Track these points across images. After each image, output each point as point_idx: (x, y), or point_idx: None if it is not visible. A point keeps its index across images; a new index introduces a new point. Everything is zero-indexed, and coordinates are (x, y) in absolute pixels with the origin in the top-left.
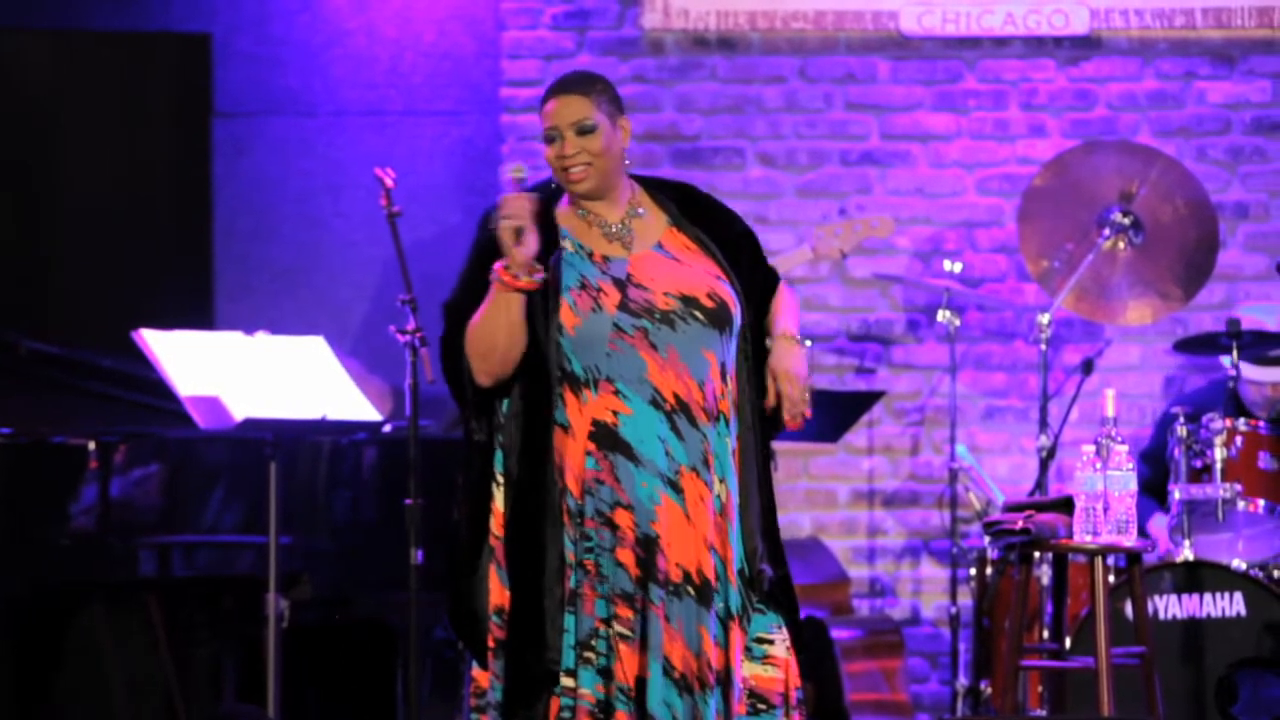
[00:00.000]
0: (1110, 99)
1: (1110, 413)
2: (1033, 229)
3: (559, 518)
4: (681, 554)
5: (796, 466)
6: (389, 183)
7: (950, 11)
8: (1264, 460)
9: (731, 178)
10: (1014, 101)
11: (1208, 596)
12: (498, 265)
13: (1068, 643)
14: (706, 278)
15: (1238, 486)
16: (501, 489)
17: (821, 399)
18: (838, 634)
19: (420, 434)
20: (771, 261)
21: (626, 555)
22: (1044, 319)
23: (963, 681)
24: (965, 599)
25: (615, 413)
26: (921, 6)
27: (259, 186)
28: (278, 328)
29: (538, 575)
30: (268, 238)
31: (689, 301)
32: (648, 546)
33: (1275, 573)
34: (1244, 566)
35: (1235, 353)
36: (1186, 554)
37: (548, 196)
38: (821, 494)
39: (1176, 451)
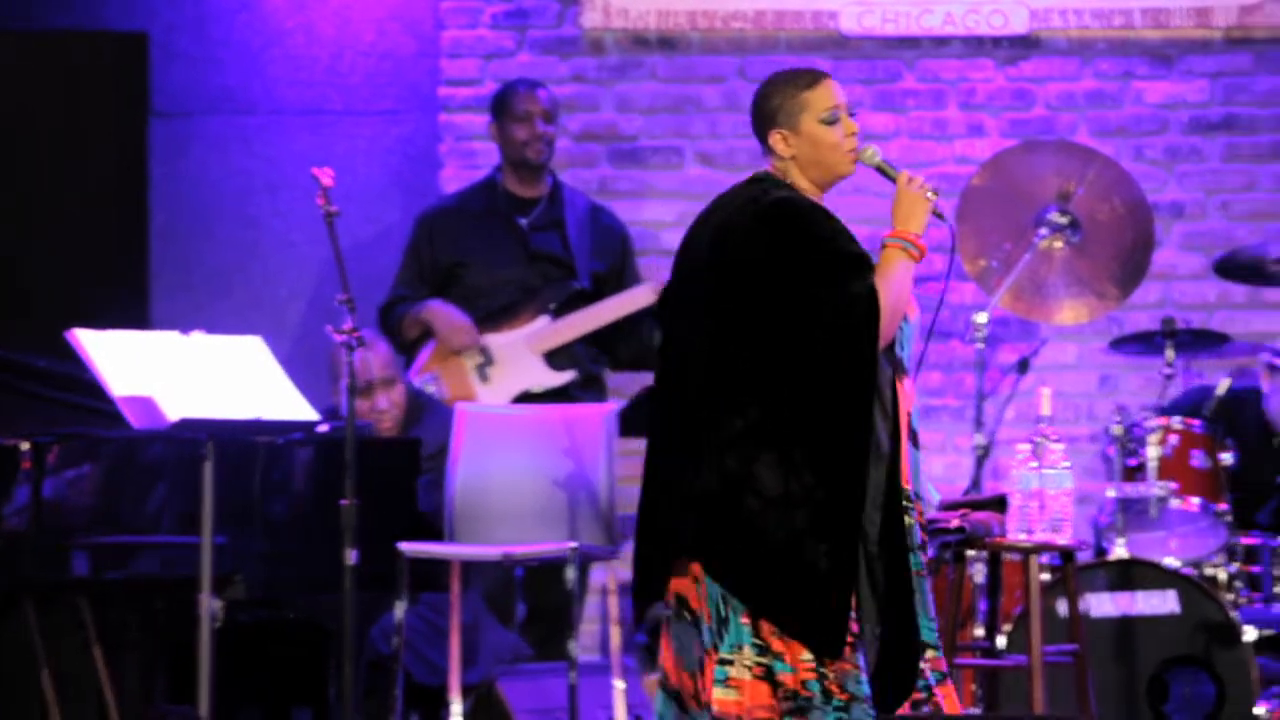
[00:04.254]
0: (1049, 99)
1: (1046, 411)
2: (971, 228)
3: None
4: None
5: None
6: (327, 182)
7: (890, 11)
8: (1198, 458)
9: (670, 177)
10: (953, 101)
11: (1141, 594)
12: (914, 235)
13: (1001, 641)
14: None
15: (1172, 485)
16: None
17: None
18: None
19: (356, 434)
20: None
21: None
22: (981, 318)
23: None
24: None
25: (913, 403)
26: (861, 6)
27: (196, 186)
28: (214, 327)
29: (904, 561)
30: (205, 237)
31: None
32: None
33: (1208, 571)
34: (1177, 564)
35: (1170, 352)
36: (1120, 552)
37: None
38: None
39: (1111, 450)
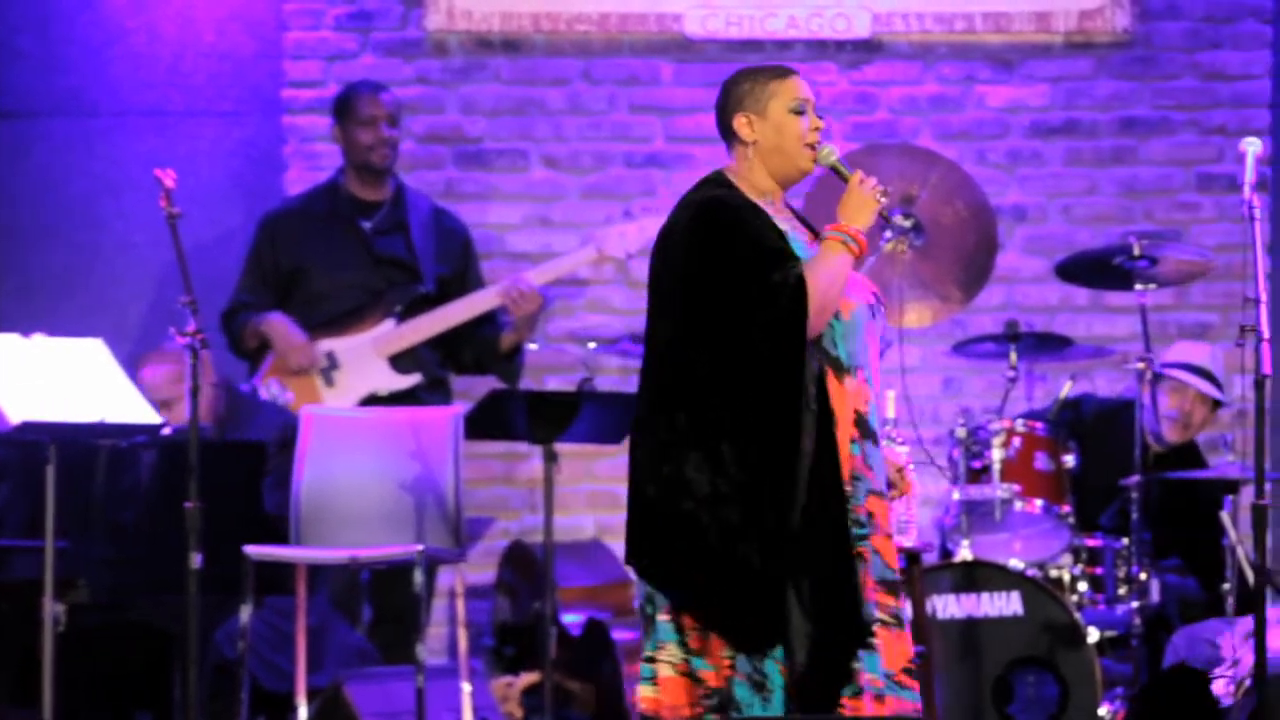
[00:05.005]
0: (891, 102)
1: (890, 414)
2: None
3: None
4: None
5: (579, 468)
6: (169, 184)
7: (733, 15)
8: (1041, 461)
9: (515, 180)
10: None
11: (985, 596)
12: (856, 230)
13: None
14: (865, 279)
15: (1015, 487)
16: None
17: (605, 401)
18: (619, 635)
19: (199, 437)
20: (556, 263)
21: (881, 542)
22: None
23: None
24: None
25: (866, 401)
26: (705, 10)
27: (40, 187)
28: (56, 329)
29: (845, 558)
30: (48, 239)
31: (877, 298)
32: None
33: (1052, 573)
34: (1021, 566)
35: (1014, 355)
36: (965, 554)
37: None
38: (605, 496)
39: (955, 452)
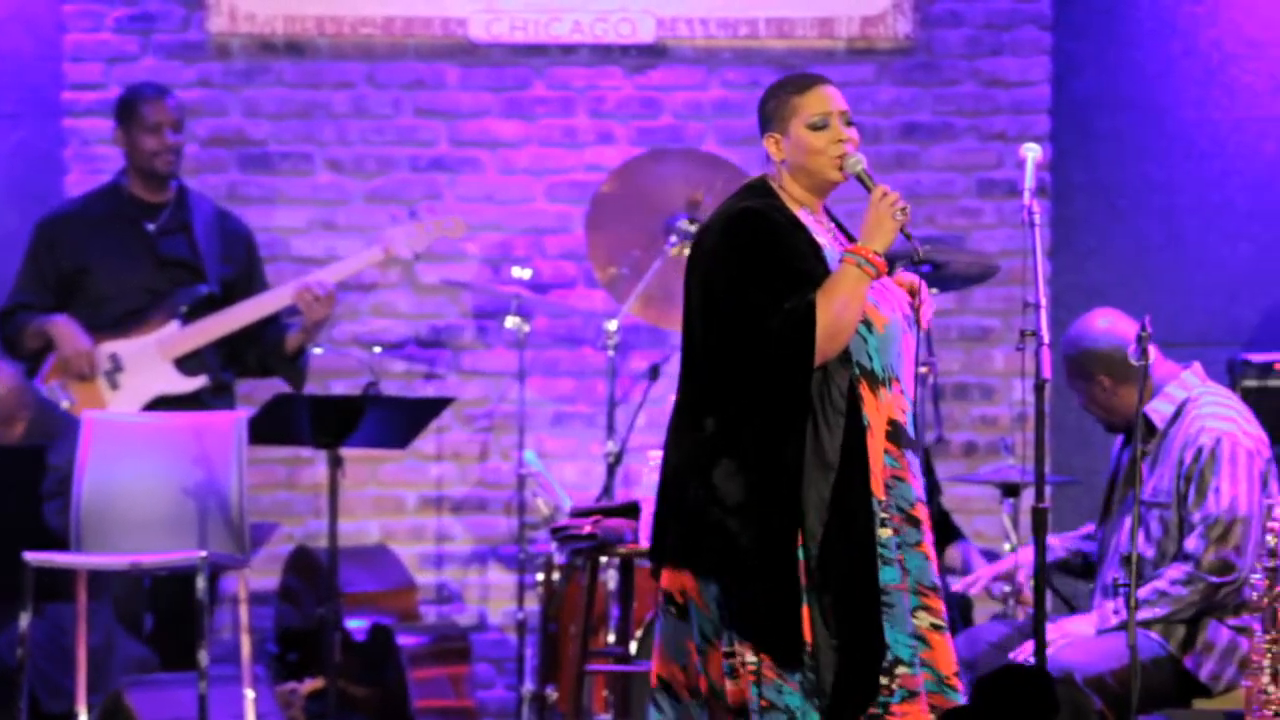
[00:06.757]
0: (676, 107)
1: None
2: (601, 236)
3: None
4: None
5: (364, 473)
6: None
7: (518, 19)
8: None
9: (300, 183)
10: (582, 109)
11: None
12: (871, 252)
13: (633, 647)
14: (900, 290)
15: None
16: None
17: (389, 405)
18: (404, 641)
19: None
20: (342, 264)
21: (924, 549)
22: (612, 325)
23: (529, 687)
24: (533, 604)
25: (903, 411)
26: (490, 14)
27: None
28: None
29: (870, 576)
30: None
31: (913, 309)
32: None
33: None
34: None
35: None
36: None
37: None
38: (389, 500)
39: None
